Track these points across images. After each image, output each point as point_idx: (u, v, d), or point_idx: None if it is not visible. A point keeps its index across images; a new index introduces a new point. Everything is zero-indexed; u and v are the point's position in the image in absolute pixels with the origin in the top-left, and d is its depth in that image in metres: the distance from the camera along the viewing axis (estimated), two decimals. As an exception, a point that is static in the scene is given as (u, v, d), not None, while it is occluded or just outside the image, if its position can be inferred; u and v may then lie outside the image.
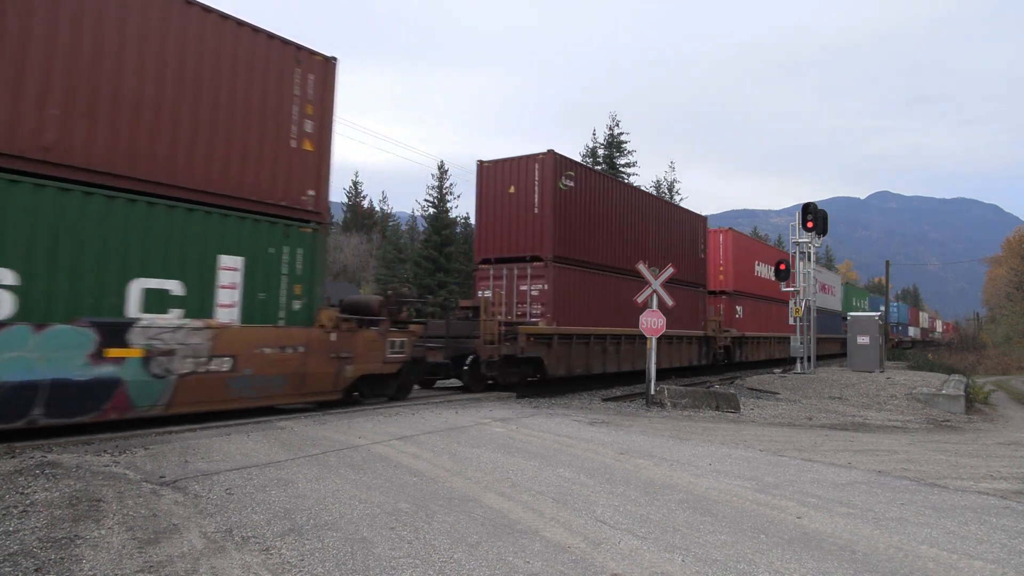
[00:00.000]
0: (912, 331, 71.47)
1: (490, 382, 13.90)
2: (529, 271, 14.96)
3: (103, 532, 4.25)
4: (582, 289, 15.85)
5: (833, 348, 39.85)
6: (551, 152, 14.95)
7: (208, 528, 4.43)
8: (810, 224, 23.71)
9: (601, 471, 6.46)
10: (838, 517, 5.16)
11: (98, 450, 6.42)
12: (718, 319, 23.04)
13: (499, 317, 13.83)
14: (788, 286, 28.85)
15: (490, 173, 15.94)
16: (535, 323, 14.42)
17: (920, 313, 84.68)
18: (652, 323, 13.47)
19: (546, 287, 14.69)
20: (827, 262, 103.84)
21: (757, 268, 28.20)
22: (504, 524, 4.71)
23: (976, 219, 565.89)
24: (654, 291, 14.10)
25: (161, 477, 5.57)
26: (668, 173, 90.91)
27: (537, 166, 15.06)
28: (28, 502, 4.72)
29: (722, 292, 24.56)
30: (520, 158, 15.42)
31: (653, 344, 13.79)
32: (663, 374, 19.88)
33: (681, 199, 61.66)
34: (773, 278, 28.69)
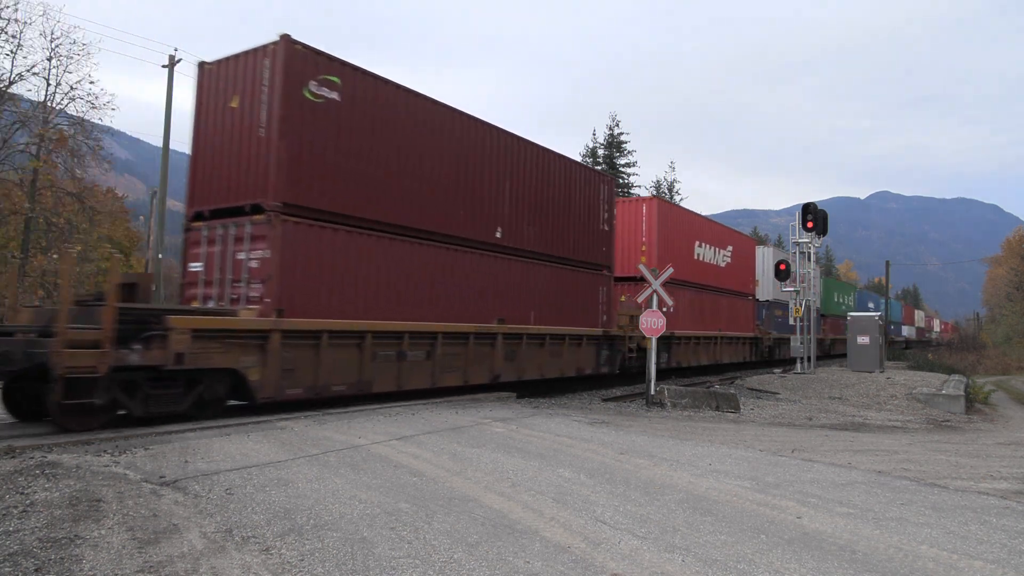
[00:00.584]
0: (906, 330, 69.19)
1: (122, 412, 7.88)
2: (248, 230, 9.50)
3: (103, 532, 4.25)
4: (356, 262, 10.33)
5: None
6: (286, 39, 9.49)
7: (208, 528, 4.43)
8: (810, 224, 23.73)
9: (601, 471, 6.46)
10: (838, 517, 5.16)
11: (98, 450, 6.42)
12: (632, 314, 17.70)
13: (113, 304, 7.59)
14: (751, 285, 26.37)
15: (213, 80, 10.42)
16: (237, 312, 9.16)
17: (915, 312, 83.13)
18: (652, 323, 13.48)
19: (269, 254, 9.22)
20: (827, 262, 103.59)
21: (698, 250, 22.42)
22: (504, 524, 4.71)
23: (976, 219, 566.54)
24: (654, 291, 14.10)
25: (161, 477, 5.57)
26: (668, 173, 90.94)
27: (267, 63, 9.57)
28: (28, 502, 4.72)
29: (642, 279, 20.20)
30: (247, 53, 10.00)
31: (653, 344, 13.80)
32: (537, 387, 15.16)
33: (681, 199, 61.48)
34: (723, 264, 24.11)
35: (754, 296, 27.51)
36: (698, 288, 22.53)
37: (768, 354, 29.32)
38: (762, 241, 56.96)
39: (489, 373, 12.97)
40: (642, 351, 18.01)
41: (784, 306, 29.83)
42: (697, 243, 22.39)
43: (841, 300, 42.37)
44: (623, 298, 18.21)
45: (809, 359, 23.79)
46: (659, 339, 18.28)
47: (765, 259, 29.33)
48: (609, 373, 17.08)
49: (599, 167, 52.22)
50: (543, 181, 14.59)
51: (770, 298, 29.54)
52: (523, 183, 13.97)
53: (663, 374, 20.39)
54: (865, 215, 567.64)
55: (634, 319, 17.51)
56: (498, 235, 13.20)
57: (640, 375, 19.25)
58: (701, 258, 22.69)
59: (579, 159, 25.12)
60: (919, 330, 79.14)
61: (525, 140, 14.16)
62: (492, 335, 12.96)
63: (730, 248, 25.11)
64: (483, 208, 12.85)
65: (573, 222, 15.45)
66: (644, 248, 19.80)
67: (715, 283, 23.63)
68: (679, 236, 21.28)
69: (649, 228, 19.85)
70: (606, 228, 16.75)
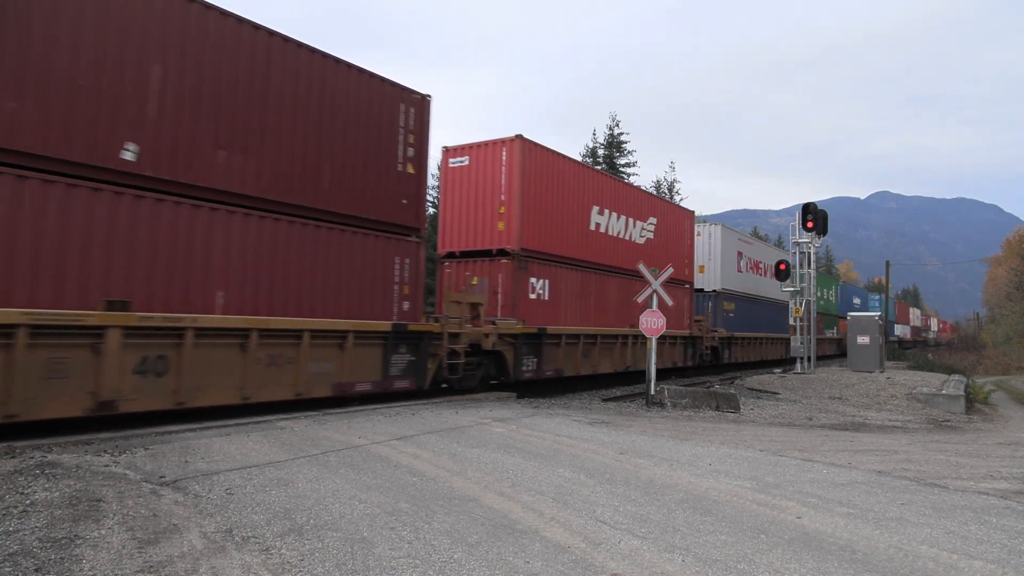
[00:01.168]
0: (900, 329, 66.34)
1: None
2: None
3: (103, 532, 4.25)
4: None
5: (776, 351, 30.17)
6: None
7: (208, 528, 4.43)
8: (810, 224, 23.75)
9: (601, 471, 6.46)
10: (838, 517, 5.16)
11: (98, 450, 6.42)
12: (471, 301, 12.93)
13: None
14: (687, 270, 20.51)
15: None
16: None
17: (911, 310, 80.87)
18: (652, 323, 13.47)
19: None
20: (827, 262, 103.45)
21: (597, 219, 16.75)
22: (504, 524, 4.71)
23: (976, 219, 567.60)
24: (654, 291, 14.09)
25: (161, 477, 5.58)
26: (668, 173, 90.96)
27: None
28: (28, 502, 4.73)
29: (502, 253, 14.08)
30: None
31: (653, 344, 13.79)
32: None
33: (681, 199, 61.35)
34: (640, 240, 18.67)
35: (692, 284, 21.77)
36: (595, 269, 16.61)
37: (712, 358, 23.41)
38: (762, 239, 52.79)
39: (90, 399, 7.26)
40: (482, 354, 12.98)
41: (738, 299, 26.05)
42: (595, 209, 16.67)
43: (822, 295, 36.94)
44: (474, 280, 13.90)
45: (809, 359, 23.80)
46: (515, 337, 13.77)
47: (713, 240, 24.59)
48: (415, 389, 11.28)
49: (599, 167, 52.06)
50: (258, 80, 9.09)
51: (718, 288, 24.29)
52: (205, 75, 8.49)
53: (537, 387, 15.41)
54: (865, 215, 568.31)
55: (475, 308, 12.86)
56: (128, 155, 7.79)
57: (497, 388, 14.04)
58: (603, 230, 16.96)
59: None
60: (914, 329, 77.35)
61: (209, 4, 8.58)
62: (92, 331, 7.26)
63: (653, 221, 19.46)
64: (79, 102, 7.37)
65: (338, 155, 10.13)
66: (503, 210, 14.11)
67: (626, 264, 17.62)
68: (563, 197, 15.52)
69: (510, 182, 14.10)
70: (410, 171, 11.18)
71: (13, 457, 5.97)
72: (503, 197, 14.18)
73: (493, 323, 13.26)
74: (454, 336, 11.93)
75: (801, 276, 24.27)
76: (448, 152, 15.02)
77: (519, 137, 14.13)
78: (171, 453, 6.45)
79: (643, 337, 17.39)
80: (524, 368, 14.03)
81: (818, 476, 6.63)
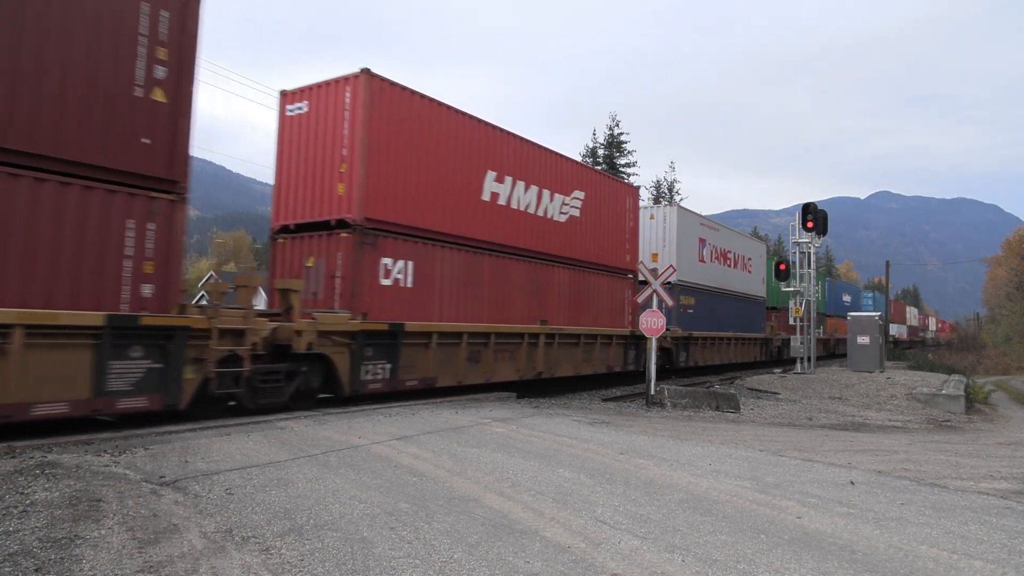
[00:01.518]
0: (896, 329, 62.82)
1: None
2: None
3: (103, 532, 4.25)
4: None
5: (749, 353, 27.09)
6: None
7: (208, 528, 4.43)
8: (810, 224, 23.78)
9: (601, 471, 6.46)
10: (838, 517, 5.16)
11: (98, 450, 6.42)
12: (282, 287, 9.92)
13: None
14: (627, 256, 17.11)
15: None
16: None
17: (908, 309, 79.02)
18: (652, 323, 13.47)
19: None
20: (827, 262, 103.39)
21: (495, 187, 13.33)
22: (504, 524, 4.71)
23: (976, 219, 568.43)
24: (654, 291, 14.10)
25: (161, 477, 5.57)
26: (668, 173, 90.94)
27: None
28: (28, 502, 4.72)
29: (342, 225, 10.77)
30: None
31: (653, 344, 13.80)
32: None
33: (681, 199, 61.38)
34: (561, 218, 15.18)
35: (635, 274, 17.69)
36: (490, 251, 13.18)
37: (664, 361, 19.72)
38: (761, 239, 49.99)
39: None
40: (298, 359, 9.65)
41: (700, 293, 22.46)
42: (492, 175, 13.19)
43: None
44: (310, 262, 11.13)
45: (809, 359, 23.82)
46: (367, 337, 10.51)
47: (669, 223, 21.10)
48: (161, 409, 7.87)
49: (599, 167, 51.92)
50: None
51: (674, 279, 19.63)
52: None
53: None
54: (865, 215, 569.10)
55: (287, 297, 9.62)
56: None
57: (321, 406, 10.08)
58: (504, 202, 13.51)
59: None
60: (911, 328, 75.65)
61: None
62: None
63: (579, 195, 15.79)
64: None
65: (6, 64, 6.70)
66: (344, 169, 10.88)
67: (538, 246, 14.45)
68: (439, 156, 12.06)
69: (353, 132, 10.83)
70: (158, 99, 7.87)
71: (13, 457, 5.97)
72: (345, 152, 10.89)
73: (312, 318, 9.83)
74: (234, 334, 8.59)
75: (801, 276, 24.29)
76: (285, 97, 11.95)
77: (365, 72, 10.77)
78: (171, 453, 6.45)
79: (560, 337, 15.15)
80: (368, 377, 10.54)
81: (818, 476, 6.64)
